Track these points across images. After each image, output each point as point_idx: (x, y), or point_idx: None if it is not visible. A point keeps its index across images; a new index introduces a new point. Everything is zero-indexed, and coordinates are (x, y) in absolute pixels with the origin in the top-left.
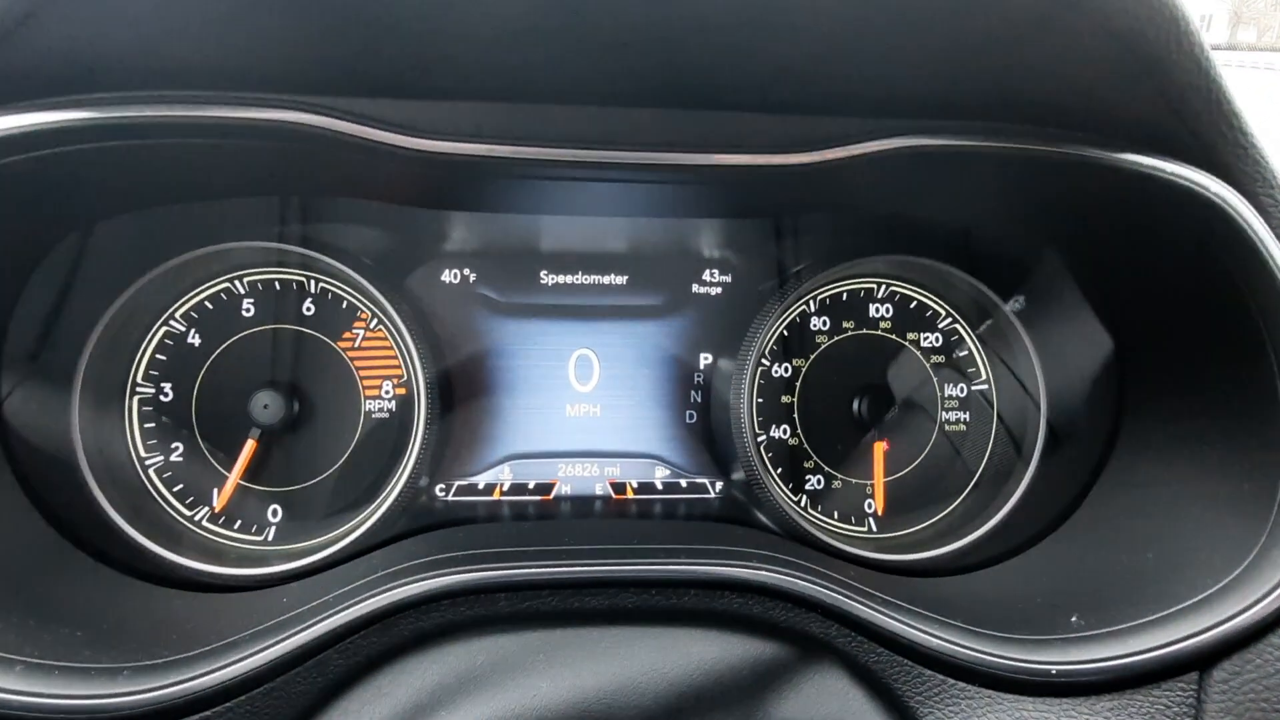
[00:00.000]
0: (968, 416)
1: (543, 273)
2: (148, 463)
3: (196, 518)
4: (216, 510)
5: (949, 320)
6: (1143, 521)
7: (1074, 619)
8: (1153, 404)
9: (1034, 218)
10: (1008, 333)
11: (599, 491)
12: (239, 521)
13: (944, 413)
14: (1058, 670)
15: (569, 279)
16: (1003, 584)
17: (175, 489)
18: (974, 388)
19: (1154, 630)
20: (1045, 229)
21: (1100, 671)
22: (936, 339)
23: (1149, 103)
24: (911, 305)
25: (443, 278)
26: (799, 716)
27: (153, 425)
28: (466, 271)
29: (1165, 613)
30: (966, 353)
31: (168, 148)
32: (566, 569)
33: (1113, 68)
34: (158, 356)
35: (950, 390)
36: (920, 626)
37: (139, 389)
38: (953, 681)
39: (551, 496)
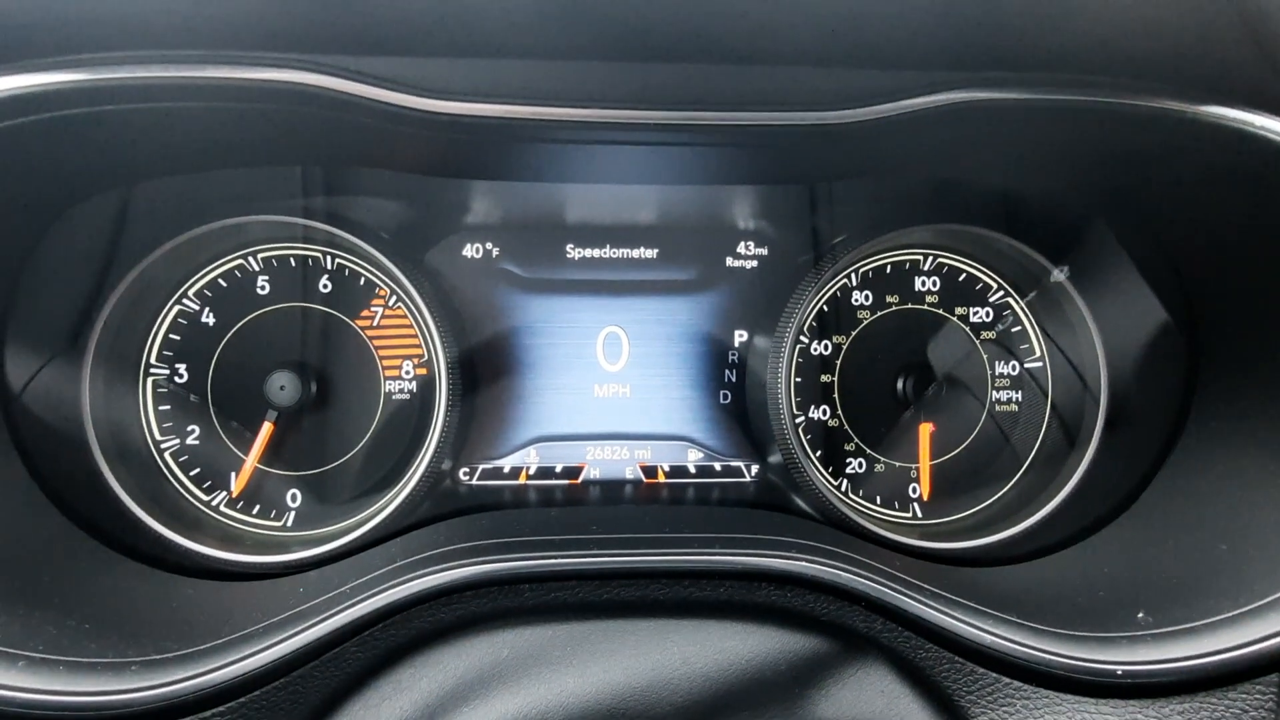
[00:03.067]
0: (1020, 396)
1: (569, 246)
2: (163, 446)
3: (214, 502)
4: (234, 494)
5: (1000, 294)
6: (1215, 508)
7: (1140, 615)
8: (1227, 379)
9: (1092, 178)
10: (1064, 304)
11: (629, 475)
12: (257, 506)
13: (994, 392)
14: (1123, 671)
15: (596, 253)
16: (1060, 575)
17: (192, 472)
18: (1027, 365)
19: (1229, 628)
20: (1104, 190)
21: (1170, 673)
22: (987, 313)
23: (1237, 47)
24: (960, 278)
25: (464, 252)
26: (841, 715)
27: (167, 407)
28: (489, 246)
29: (1242, 610)
30: (1020, 328)
31: (169, 113)
32: (595, 559)
33: (1195, 6)
34: (171, 336)
35: (1001, 368)
36: (972, 621)
37: (153, 369)
38: (1007, 680)
39: (579, 480)
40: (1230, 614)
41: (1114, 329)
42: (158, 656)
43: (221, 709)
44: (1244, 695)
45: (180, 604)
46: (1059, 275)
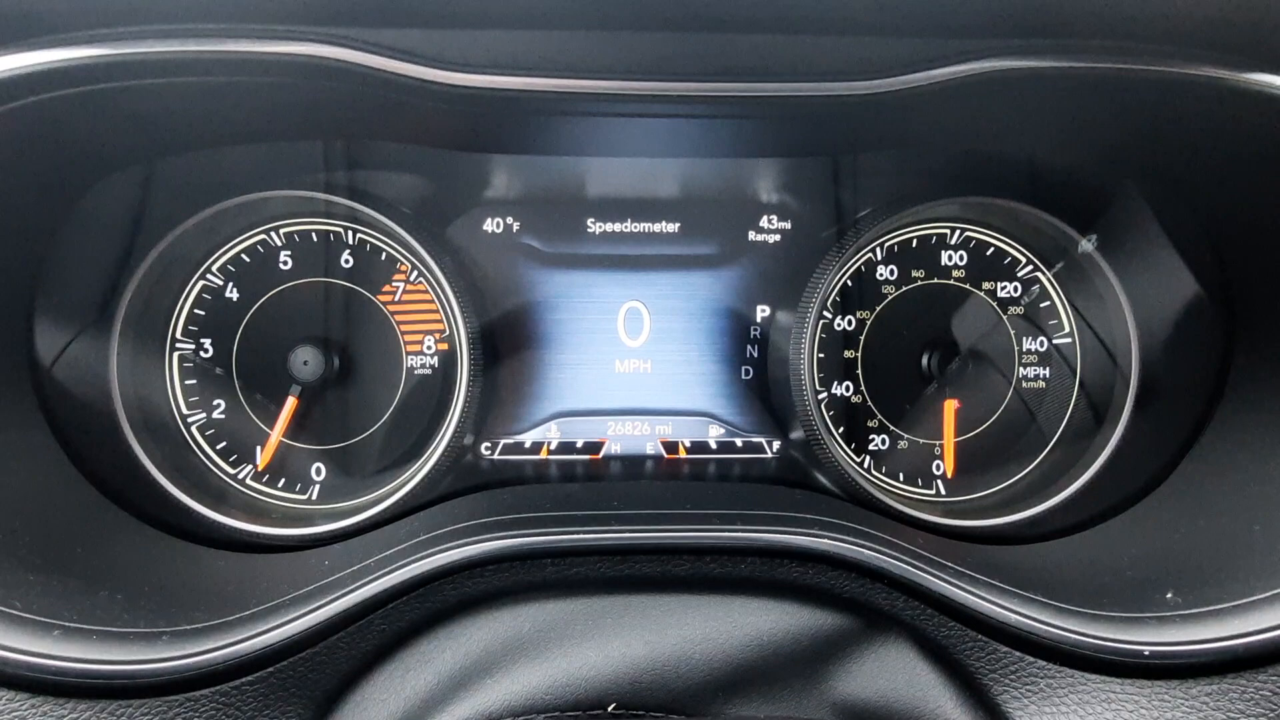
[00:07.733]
0: (1047, 372)
1: (589, 220)
2: (190, 419)
3: (240, 476)
4: (260, 468)
5: (1029, 268)
6: (1248, 487)
7: (1169, 595)
8: (1265, 353)
9: (1126, 146)
10: (1093, 276)
11: (650, 451)
12: (283, 479)
13: (1021, 368)
14: (1151, 651)
15: (617, 227)
16: (1087, 554)
17: (218, 446)
18: (1055, 341)
19: (1261, 610)
20: (1137, 159)
21: (1199, 654)
22: (1015, 288)
23: None
24: (988, 252)
25: (485, 227)
26: (862, 693)
27: (194, 381)
28: (509, 220)
29: (1274, 591)
30: (1048, 303)
31: (191, 88)
32: (616, 534)
33: None
34: (196, 311)
35: (1029, 344)
36: (996, 600)
37: (178, 344)
38: (1031, 659)
39: (600, 456)
40: (1262, 595)
41: (1145, 301)
42: (188, 627)
43: (250, 678)
44: (1275, 678)
45: (209, 576)
46: (1087, 245)
